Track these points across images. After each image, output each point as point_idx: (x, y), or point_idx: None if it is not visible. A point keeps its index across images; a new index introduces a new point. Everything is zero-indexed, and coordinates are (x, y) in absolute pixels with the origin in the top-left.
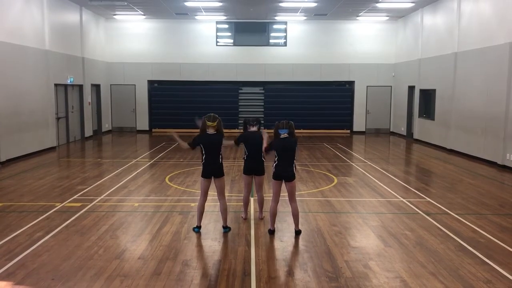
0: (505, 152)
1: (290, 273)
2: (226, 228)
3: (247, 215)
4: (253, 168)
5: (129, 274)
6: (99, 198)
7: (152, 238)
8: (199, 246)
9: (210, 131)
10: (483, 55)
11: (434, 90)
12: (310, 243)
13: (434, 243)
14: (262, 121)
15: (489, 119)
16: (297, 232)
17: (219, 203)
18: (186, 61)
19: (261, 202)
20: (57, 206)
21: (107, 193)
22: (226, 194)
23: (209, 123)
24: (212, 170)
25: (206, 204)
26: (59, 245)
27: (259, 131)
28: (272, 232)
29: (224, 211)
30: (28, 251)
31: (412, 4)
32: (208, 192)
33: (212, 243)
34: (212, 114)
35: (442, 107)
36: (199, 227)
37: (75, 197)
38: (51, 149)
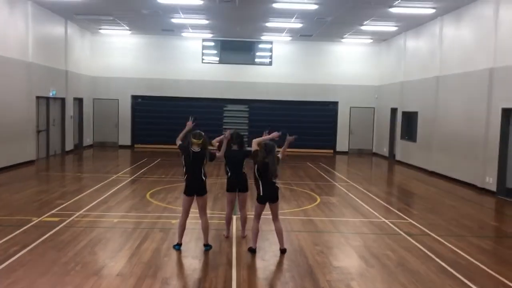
0: (484, 175)
1: None
2: (207, 246)
3: (229, 233)
4: (236, 185)
5: None
6: (78, 213)
7: (131, 254)
8: (180, 264)
9: (195, 148)
10: (464, 80)
11: (416, 113)
12: (292, 262)
13: (415, 264)
14: (246, 139)
15: (469, 142)
16: (283, 251)
17: (200, 221)
18: (171, 77)
19: (244, 220)
20: (34, 220)
21: (86, 208)
22: (209, 211)
23: (194, 140)
24: (195, 188)
25: (187, 221)
26: (35, 260)
27: (242, 149)
28: (253, 251)
29: (205, 229)
30: (3, 265)
31: (396, 28)
32: (190, 210)
33: (193, 261)
34: (198, 131)
35: (424, 129)
36: (179, 244)
37: (53, 211)
38: (30, 162)
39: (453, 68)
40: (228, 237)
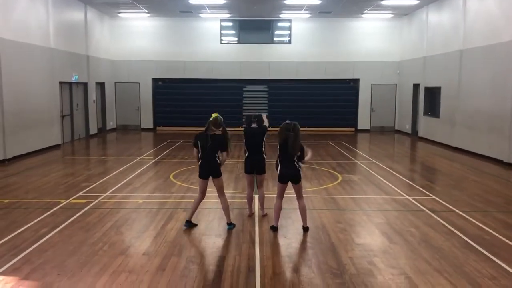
0: (511, 150)
1: (294, 269)
2: (230, 225)
3: (251, 212)
4: (252, 167)
5: (134, 269)
6: (104, 195)
7: (156, 234)
8: (204, 242)
9: (212, 132)
10: (489, 53)
11: (439, 88)
12: (314, 240)
13: (439, 240)
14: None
15: (495, 117)
16: (305, 229)
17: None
18: (190, 59)
19: (262, 199)
20: (62, 202)
21: (112, 190)
22: (231, 191)
23: (213, 128)
24: (208, 171)
25: (210, 200)
26: (64, 241)
27: (260, 126)
28: (275, 229)
29: (226, 209)
30: (34, 246)
31: (417, 2)
32: (208, 190)
33: (216, 239)
34: (219, 120)
35: (447, 105)
36: (189, 222)
37: (80, 194)
38: (56, 146)
39: (478, 41)
40: (251, 216)
